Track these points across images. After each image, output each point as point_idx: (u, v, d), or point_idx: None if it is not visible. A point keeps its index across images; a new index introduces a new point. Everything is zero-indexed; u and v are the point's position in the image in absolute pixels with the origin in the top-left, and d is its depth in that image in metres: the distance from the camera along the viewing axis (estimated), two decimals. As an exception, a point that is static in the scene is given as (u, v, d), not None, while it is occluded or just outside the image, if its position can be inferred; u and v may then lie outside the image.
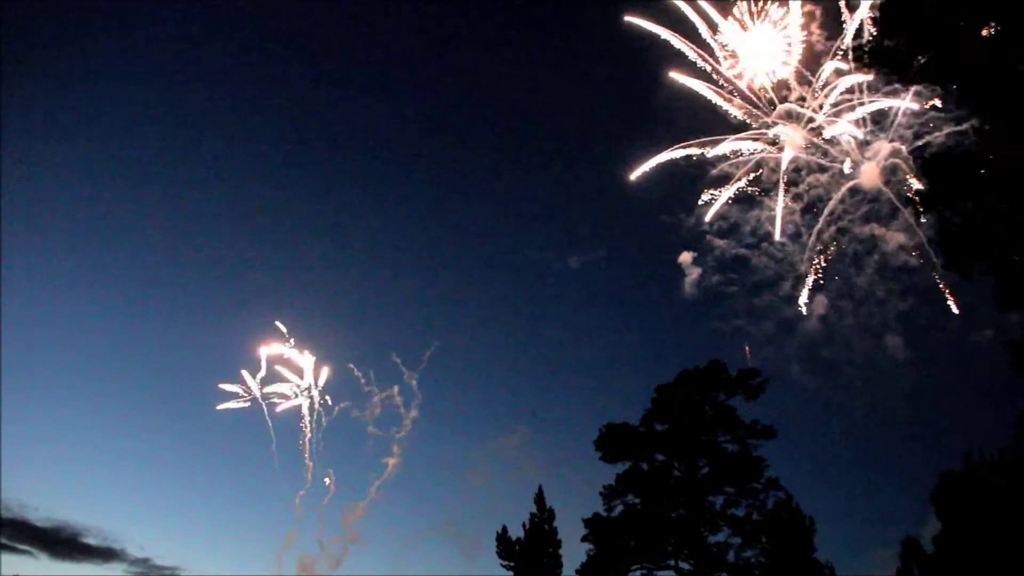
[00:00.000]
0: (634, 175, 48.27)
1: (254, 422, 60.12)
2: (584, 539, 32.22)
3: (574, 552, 32.41)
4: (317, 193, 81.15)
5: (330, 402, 58.51)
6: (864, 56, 19.80)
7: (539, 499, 32.81)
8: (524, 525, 32.35)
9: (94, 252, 72.56)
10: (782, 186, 48.20)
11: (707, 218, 49.85)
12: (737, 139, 48.77)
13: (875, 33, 19.36)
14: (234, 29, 75.40)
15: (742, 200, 49.96)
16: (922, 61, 17.69)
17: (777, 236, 48.96)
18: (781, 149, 48.26)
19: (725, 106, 48.07)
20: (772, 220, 49.13)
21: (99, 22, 72.92)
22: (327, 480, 58.10)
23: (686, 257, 53.25)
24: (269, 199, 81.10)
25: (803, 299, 49.22)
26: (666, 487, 32.09)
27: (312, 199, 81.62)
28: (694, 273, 52.39)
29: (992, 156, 17.89)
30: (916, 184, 33.90)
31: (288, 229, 79.89)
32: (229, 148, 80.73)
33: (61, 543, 55.42)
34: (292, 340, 58.29)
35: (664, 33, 46.92)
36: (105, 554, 56.79)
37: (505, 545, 32.13)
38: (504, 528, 32.44)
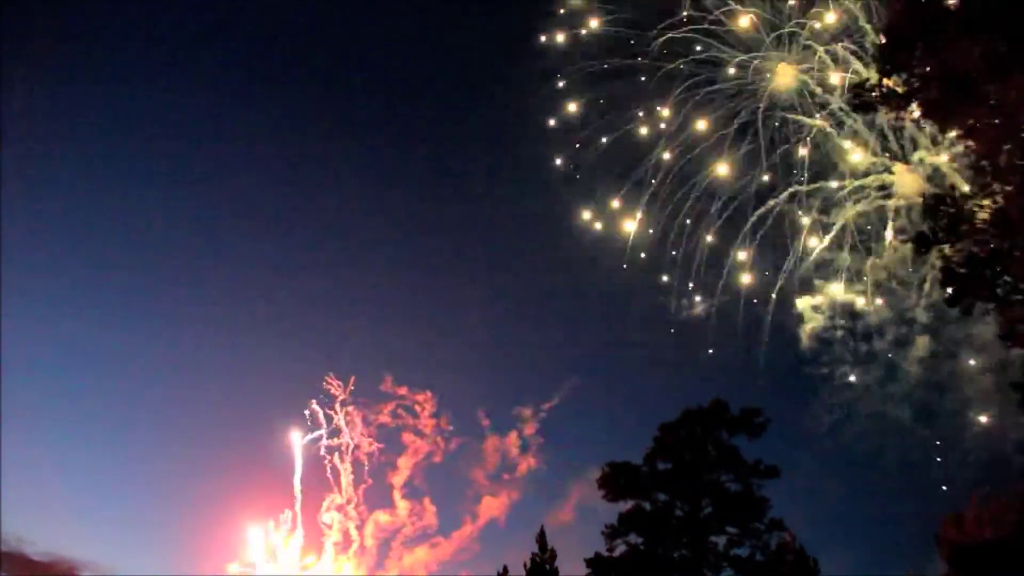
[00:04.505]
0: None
1: (267, 454, 61.23)
2: (585, 579, 31.85)
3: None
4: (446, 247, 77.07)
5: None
6: (865, 96, 20.28)
7: (540, 538, 32.52)
8: (525, 565, 32.02)
9: (106, 271, 69.84)
10: (891, 228, 48.37)
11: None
12: (853, 183, 49.22)
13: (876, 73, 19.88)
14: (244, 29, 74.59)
15: (853, 246, 50.43)
16: (920, 99, 18.15)
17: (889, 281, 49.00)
18: (893, 196, 48.54)
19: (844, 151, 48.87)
20: (882, 266, 49.18)
21: (99, 21, 71.98)
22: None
23: (804, 303, 52.39)
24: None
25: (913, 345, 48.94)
26: (669, 527, 31.71)
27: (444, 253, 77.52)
28: (814, 322, 51.71)
29: (990, 194, 18.21)
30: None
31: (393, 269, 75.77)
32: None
33: (59, 577, 54.53)
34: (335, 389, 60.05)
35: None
36: (102, 588, 55.80)
37: (505, 586, 31.81)
38: (505, 568, 32.12)
